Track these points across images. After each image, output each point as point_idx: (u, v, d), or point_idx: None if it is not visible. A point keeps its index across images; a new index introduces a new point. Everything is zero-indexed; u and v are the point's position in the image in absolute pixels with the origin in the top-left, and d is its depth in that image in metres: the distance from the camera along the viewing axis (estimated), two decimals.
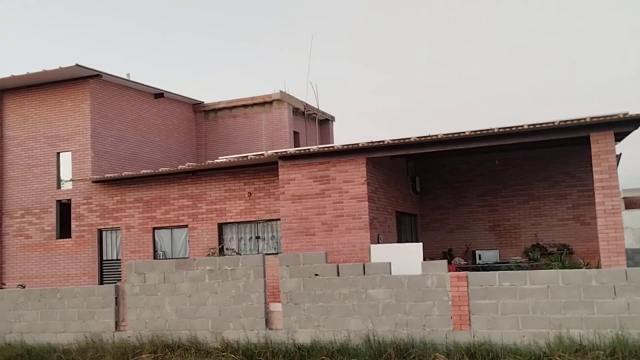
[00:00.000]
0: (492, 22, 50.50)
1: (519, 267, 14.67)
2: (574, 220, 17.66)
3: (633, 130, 12.56)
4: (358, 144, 13.64)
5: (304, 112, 24.91)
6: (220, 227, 16.77)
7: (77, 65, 17.72)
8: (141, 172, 17.22)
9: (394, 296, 10.66)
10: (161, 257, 17.30)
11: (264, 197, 16.23)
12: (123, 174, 17.43)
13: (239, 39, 55.93)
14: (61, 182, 18.81)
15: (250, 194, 16.30)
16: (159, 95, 21.76)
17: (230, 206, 16.60)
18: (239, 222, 16.58)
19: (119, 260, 17.92)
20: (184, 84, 49.53)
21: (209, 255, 15.32)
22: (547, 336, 9.61)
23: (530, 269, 13.46)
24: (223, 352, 10.99)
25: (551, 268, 11.59)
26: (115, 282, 17.31)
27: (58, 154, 19.01)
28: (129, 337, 12.23)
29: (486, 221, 18.51)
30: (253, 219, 16.36)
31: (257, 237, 16.40)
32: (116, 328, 12.54)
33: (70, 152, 18.80)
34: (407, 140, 13.15)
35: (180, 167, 16.72)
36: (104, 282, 17.93)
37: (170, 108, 22.71)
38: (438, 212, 18.91)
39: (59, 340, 12.79)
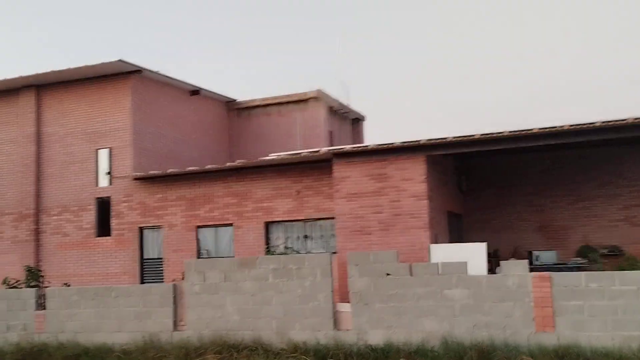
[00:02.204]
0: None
1: (579, 268, 14.33)
2: (625, 221, 17.30)
3: None
4: (419, 140, 13.32)
5: (336, 111, 24.60)
6: (267, 225, 16.46)
7: (120, 60, 17.45)
8: (186, 169, 16.92)
9: (471, 297, 10.33)
10: (205, 257, 17.00)
11: (313, 196, 15.92)
12: (167, 171, 17.14)
13: (266, 34, 55.29)
14: (104, 178, 18.47)
15: (299, 192, 15.99)
16: (195, 92, 21.47)
17: (278, 204, 16.29)
18: (286, 221, 16.26)
19: (161, 259, 17.62)
20: (210, 81, 48.85)
21: (267, 254, 14.98)
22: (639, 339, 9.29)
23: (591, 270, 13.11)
24: (293, 354, 10.68)
25: (628, 269, 11.22)
26: (157, 282, 17.06)
27: (97, 150, 18.72)
28: (188, 337, 11.93)
29: (533, 222, 18.15)
30: (301, 218, 16.04)
31: (306, 237, 16.08)
32: (175, 328, 12.24)
33: (110, 149, 18.51)
34: (471, 137, 12.83)
35: (228, 164, 16.42)
36: (145, 281, 17.62)
37: (205, 105, 22.43)
38: (482, 212, 18.55)
39: (114, 339, 12.49)
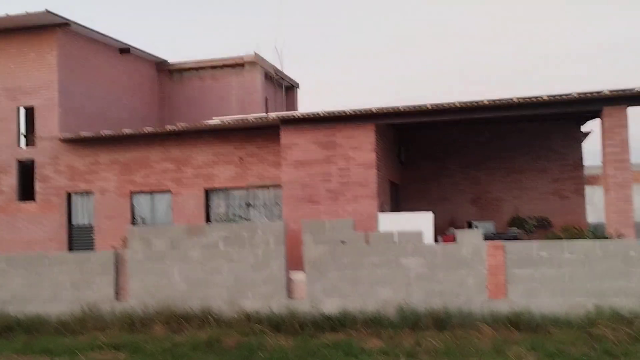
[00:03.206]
0: None
1: (515, 238, 14.86)
2: (554, 194, 18.10)
3: None
4: (370, 109, 13.20)
5: (271, 78, 24.09)
6: (207, 193, 15.93)
7: (47, 11, 16.08)
8: (121, 132, 15.98)
9: (426, 265, 10.44)
10: (140, 224, 16.27)
11: (257, 163, 15.52)
12: (100, 133, 16.11)
13: None
14: (29, 139, 17.18)
15: (242, 159, 15.55)
16: (125, 50, 20.28)
17: (219, 171, 15.78)
18: (228, 188, 15.80)
19: (91, 226, 16.70)
20: (139, 40, 45.95)
21: (209, 222, 14.48)
22: (586, 306, 9.72)
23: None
24: (245, 322, 10.42)
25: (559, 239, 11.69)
26: (86, 250, 16.19)
27: (19, 108, 17.35)
28: (131, 307, 11.38)
29: (468, 193, 18.65)
30: (244, 185, 15.63)
31: (248, 204, 15.71)
32: (116, 297, 11.63)
33: (33, 107, 17.20)
34: (423, 107, 12.85)
35: (168, 127, 15.63)
36: (73, 249, 16.68)
37: (135, 65, 21.27)
38: (420, 183, 18.85)
39: (48, 310, 11.73)
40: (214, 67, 22.71)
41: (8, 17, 16.52)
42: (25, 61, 17.28)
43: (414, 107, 12.88)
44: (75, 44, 17.86)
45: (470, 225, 15.99)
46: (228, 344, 9.49)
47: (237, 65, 22.45)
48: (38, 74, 17.16)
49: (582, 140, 18.09)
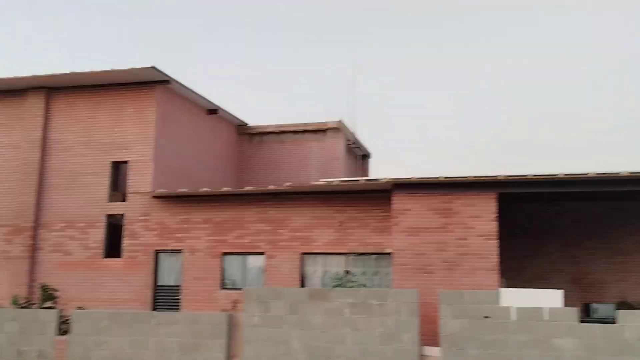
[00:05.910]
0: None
1: None
2: None
3: None
4: (496, 176, 12.54)
5: (349, 145, 23.76)
6: (303, 257, 15.21)
7: (153, 67, 16.13)
8: (218, 190, 15.55)
9: (583, 348, 9.43)
10: (229, 287, 15.55)
11: (357, 228, 14.83)
12: (198, 190, 15.69)
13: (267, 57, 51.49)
14: (117, 195, 16.84)
15: (342, 222, 14.89)
16: (213, 111, 20.24)
17: (317, 235, 15.11)
18: (325, 253, 15.07)
19: (178, 286, 16.00)
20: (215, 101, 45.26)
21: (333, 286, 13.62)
22: None
23: None
24: None
25: None
26: (171, 311, 15.42)
27: (113, 163, 17.14)
28: None
29: (567, 273, 17.53)
30: (343, 251, 14.89)
31: (347, 272, 14.90)
32: None
33: (127, 162, 16.99)
34: (554, 176, 12.13)
35: (270, 187, 15.14)
36: (157, 309, 15.93)
37: (219, 126, 21.19)
38: (514, 260, 17.80)
39: None
40: (295, 132, 22.51)
41: (113, 72, 16.58)
42: (123, 116, 17.23)
43: (546, 176, 12.18)
44: (171, 100, 17.84)
45: (587, 308, 14.84)
46: None
47: (319, 130, 22.21)
48: (134, 129, 17.04)
49: None
